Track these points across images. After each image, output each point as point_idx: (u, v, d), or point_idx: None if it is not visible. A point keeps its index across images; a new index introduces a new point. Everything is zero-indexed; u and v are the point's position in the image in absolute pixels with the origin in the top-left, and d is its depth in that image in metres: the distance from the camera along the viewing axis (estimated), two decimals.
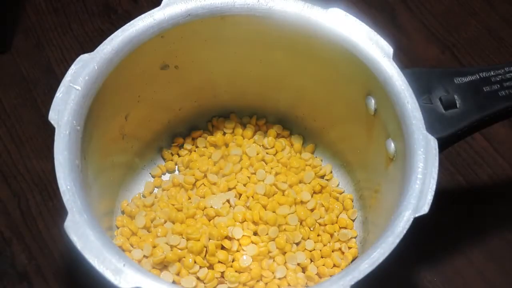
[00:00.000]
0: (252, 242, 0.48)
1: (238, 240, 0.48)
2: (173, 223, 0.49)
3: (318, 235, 0.50)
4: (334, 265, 0.49)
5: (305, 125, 0.55)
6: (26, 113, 0.58)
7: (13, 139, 0.57)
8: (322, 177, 0.53)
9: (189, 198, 0.51)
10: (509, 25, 0.65)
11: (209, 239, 0.47)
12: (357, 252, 0.49)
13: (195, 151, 0.54)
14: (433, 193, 0.38)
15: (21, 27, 0.63)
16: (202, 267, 0.47)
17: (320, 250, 0.49)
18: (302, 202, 0.51)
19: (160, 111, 0.52)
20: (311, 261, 0.49)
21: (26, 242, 0.52)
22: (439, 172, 0.39)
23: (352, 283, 0.35)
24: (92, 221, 0.36)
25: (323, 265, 0.49)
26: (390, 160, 0.43)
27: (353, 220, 0.51)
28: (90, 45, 0.41)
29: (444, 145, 0.41)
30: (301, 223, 0.50)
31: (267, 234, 0.48)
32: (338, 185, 0.54)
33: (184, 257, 0.47)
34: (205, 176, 0.52)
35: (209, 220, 0.49)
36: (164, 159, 0.55)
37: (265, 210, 0.49)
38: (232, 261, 0.48)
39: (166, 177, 0.54)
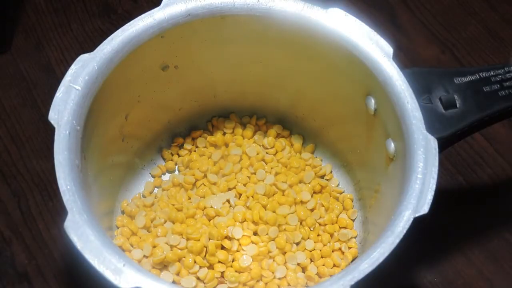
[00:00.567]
0: (252, 242, 0.48)
1: (238, 240, 0.48)
2: (173, 223, 0.49)
3: (318, 235, 0.50)
4: (334, 265, 0.49)
5: (305, 125, 0.55)
6: (26, 113, 0.58)
7: (13, 139, 0.57)
8: (322, 177, 0.53)
9: (189, 198, 0.51)
10: (509, 25, 0.65)
11: (209, 239, 0.47)
12: (357, 252, 0.49)
13: (195, 151, 0.54)
14: (433, 193, 0.38)
15: (21, 27, 0.63)
16: (202, 267, 0.47)
17: (320, 250, 0.49)
18: (302, 202, 0.51)
19: (160, 111, 0.52)
20: (311, 261, 0.49)
21: (26, 242, 0.52)
22: (439, 172, 0.39)
23: (352, 283, 0.35)
24: (92, 221, 0.36)
25: (323, 265, 0.49)
26: (390, 160, 0.43)
27: (353, 220, 0.51)
28: (90, 45, 0.41)
29: (444, 145, 0.41)
30: (301, 223, 0.50)
31: (267, 234, 0.48)
32: (338, 185, 0.54)
33: (184, 257, 0.47)
34: (205, 176, 0.52)
35: (209, 220, 0.49)
36: (164, 159, 0.55)
37: (265, 210, 0.49)
38: (232, 261, 0.48)
39: (166, 177, 0.54)
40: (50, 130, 0.39)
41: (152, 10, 0.44)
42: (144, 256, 0.47)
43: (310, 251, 0.49)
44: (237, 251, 0.48)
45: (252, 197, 0.51)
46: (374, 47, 0.43)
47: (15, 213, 0.53)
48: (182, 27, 0.44)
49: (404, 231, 0.37)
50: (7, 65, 0.61)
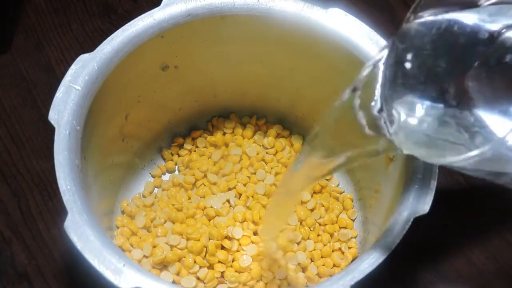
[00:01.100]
0: (252, 242, 0.48)
1: (238, 240, 0.48)
2: (173, 223, 0.49)
3: (318, 235, 0.50)
4: (334, 265, 0.49)
5: (305, 125, 0.55)
6: (26, 113, 0.58)
7: (13, 139, 0.57)
8: None
9: (189, 198, 0.51)
10: None
11: (209, 239, 0.47)
12: (357, 252, 0.49)
13: (195, 151, 0.54)
14: (433, 193, 0.38)
15: (21, 27, 0.63)
16: (202, 267, 0.47)
17: (320, 250, 0.49)
18: (302, 202, 0.51)
19: (160, 111, 0.52)
20: (311, 261, 0.49)
21: (26, 242, 0.52)
22: (439, 172, 0.39)
23: (352, 283, 0.35)
24: (92, 221, 0.36)
25: (323, 265, 0.49)
26: (390, 160, 0.43)
27: (353, 220, 0.51)
28: (90, 45, 0.41)
29: None
30: (301, 223, 0.50)
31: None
32: (338, 185, 0.54)
33: (184, 257, 0.47)
34: (205, 176, 0.52)
35: (209, 220, 0.49)
36: (164, 159, 0.55)
37: (265, 210, 0.49)
38: (232, 261, 0.48)
39: (166, 177, 0.54)
40: (50, 130, 0.39)
41: (152, 10, 0.44)
42: (144, 256, 0.47)
43: (310, 251, 0.49)
44: (237, 251, 0.48)
45: (252, 197, 0.51)
46: (374, 47, 0.43)
47: (15, 213, 0.53)
48: (182, 27, 0.44)
49: (404, 232, 0.37)
50: (7, 65, 0.61)
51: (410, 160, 0.39)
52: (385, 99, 0.32)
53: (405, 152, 0.31)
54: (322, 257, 0.49)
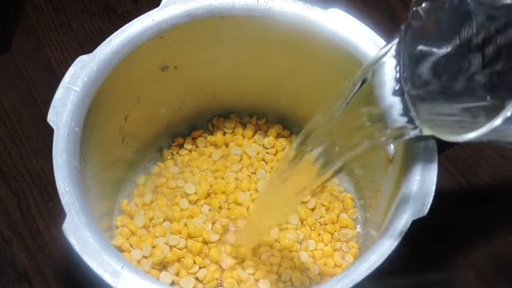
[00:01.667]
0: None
1: None
2: (171, 222, 0.49)
3: (319, 235, 0.50)
4: (336, 265, 0.49)
5: (305, 125, 0.54)
6: (26, 113, 0.58)
7: (13, 139, 0.57)
8: None
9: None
10: None
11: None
12: (358, 252, 0.49)
13: (195, 151, 0.54)
14: (432, 195, 0.38)
15: (21, 27, 0.63)
16: (202, 267, 0.47)
17: (322, 250, 0.49)
18: (302, 202, 0.51)
19: (160, 111, 0.52)
20: (313, 260, 0.49)
21: (26, 242, 0.52)
22: (439, 172, 0.39)
23: (351, 285, 0.35)
24: (91, 223, 0.36)
25: (325, 265, 0.49)
26: (390, 161, 0.43)
27: (354, 220, 0.51)
28: (90, 45, 0.41)
29: (443, 146, 0.41)
30: (301, 223, 0.50)
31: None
32: (338, 184, 0.54)
33: (184, 257, 0.47)
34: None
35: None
36: (164, 159, 0.55)
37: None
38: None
39: (166, 176, 0.54)
40: (50, 130, 0.39)
41: (151, 11, 0.44)
42: (144, 256, 0.47)
43: (312, 251, 0.49)
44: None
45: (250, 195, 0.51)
46: (374, 47, 0.43)
47: (15, 213, 0.54)
48: (181, 27, 0.44)
49: (403, 234, 0.36)
50: (7, 65, 0.61)
51: (409, 161, 0.39)
52: (405, 81, 0.32)
53: (425, 132, 0.31)
54: (323, 257, 0.49)
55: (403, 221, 0.37)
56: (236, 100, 0.54)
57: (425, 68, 0.32)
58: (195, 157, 0.53)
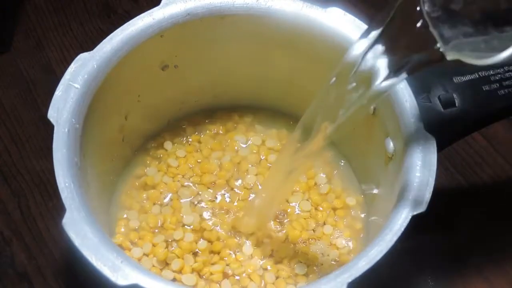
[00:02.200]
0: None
1: None
2: (171, 219, 0.49)
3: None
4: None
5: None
6: (26, 113, 0.58)
7: (13, 139, 0.57)
8: None
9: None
10: None
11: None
12: (358, 250, 0.49)
13: (195, 151, 0.54)
14: (431, 191, 0.38)
15: (21, 27, 0.64)
16: (205, 263, 0.47)
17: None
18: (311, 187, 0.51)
19: (160, 110, 0.52)
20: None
21: (26, 242, 0.52)
22: (438, 171, 0.39)
23: (350, 280, 0.35)
24: (90, 218, 0.36)
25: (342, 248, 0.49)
26: (389, 159, 0.43)
27: (354, 218, 0.51)
28: (90, 45, 0.41)
29: (443, 144, 0.41)
30: (315, 209, 0.50)
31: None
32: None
33: (185, 254, 0.47)
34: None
35: None
36: (164, 157, 0.55)
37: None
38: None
39: (166, 176, 0.54)
40: (50, 130, 0.39)
41: (152, 10, 0.44)
42: (144, 254, 0.47)
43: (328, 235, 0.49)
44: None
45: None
46: None
47: (15, 213, 0.53)
48: (181, 26, 0.45)
49: (402, 229, 0.36)
50: (7, 65, 0.61)
51: (409, 158, 0.39)
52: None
53: (449, 57, 0.31)
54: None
55: (403, 216, 0.37)
56: (236, 100, 0.54)
57: None
58: (195, 156, 0.53)
